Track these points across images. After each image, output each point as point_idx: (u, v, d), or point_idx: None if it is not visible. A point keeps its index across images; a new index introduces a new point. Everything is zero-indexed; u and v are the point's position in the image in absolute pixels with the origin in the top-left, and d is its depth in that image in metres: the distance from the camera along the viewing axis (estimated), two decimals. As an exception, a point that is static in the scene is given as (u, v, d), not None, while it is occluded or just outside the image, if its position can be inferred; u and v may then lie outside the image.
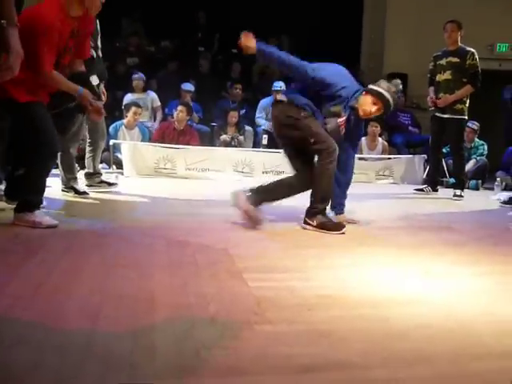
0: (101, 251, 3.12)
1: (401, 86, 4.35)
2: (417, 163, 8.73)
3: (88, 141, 5.61)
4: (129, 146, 7.80)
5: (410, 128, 10.12)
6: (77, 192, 5.19)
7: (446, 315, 2.26)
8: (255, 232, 3.95)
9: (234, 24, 11.35)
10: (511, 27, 10.88)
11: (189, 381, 1.58)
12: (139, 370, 1.62)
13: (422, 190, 7.12)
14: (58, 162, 4.99)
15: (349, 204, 4.47)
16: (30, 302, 2.15)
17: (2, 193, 4.57)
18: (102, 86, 5.47)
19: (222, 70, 11.29)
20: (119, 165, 7.83)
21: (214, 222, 4.27)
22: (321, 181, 4.09)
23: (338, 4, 11.47)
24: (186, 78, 9.92)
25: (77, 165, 5.41)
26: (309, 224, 4.08)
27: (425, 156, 8.53)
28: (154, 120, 9.36)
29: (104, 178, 5.88)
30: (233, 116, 8.99)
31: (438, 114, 6.77)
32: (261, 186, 4.22)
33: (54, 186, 5.06)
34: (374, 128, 8.86)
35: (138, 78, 9.22)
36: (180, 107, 8.46)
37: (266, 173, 8.15)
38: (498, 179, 7.94)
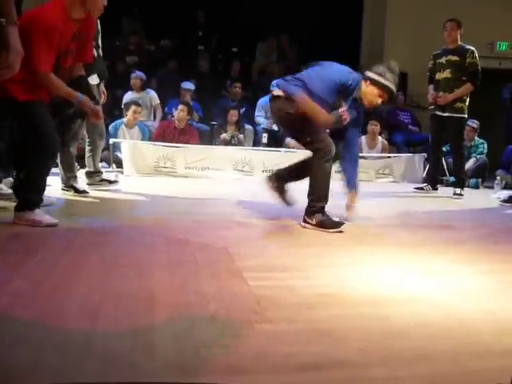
0: (101, 250, 3.12)
1: (397, 68, 4.35)
2: (417, 162, 8.73)
3: (87, 140, 5.61)
4: (129, 144, 7.79)
5: (409, 127, 10.13)
6: (77, 191, 5.19)
7: (446, 314, 2.26)
8: (255, 231, 3.96)
9: (234, 23, 11.42)
10: (511, 26, 10.87)
11: (189, 379, 1.58)
12: (139, 368, 1.62)
13: (421, 188, 7.12)
14: (58, 160, 4.99)
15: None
16: (29, 301, 2.15)
17: (2, 192, 4.58)
18: (102, 85, 5.47)
19: (221, 68, 11.29)
20: (119, 164, 7.82)
21: (213, 220, 4.27)
22: (317, 180, 4.10)
23: (337, 3, 11.46)
24: (186, 77, 9.92)
25: (76, 164, 5.41)
26: (308, 223, 4.08)
27: (425, 155, 8.52)
28: (154, 119, 9.36)
29: (104, 176, 5.87)
30: (233, 115, 8.98)
31: (437, 113, 6.77)
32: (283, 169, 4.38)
33: (53, 185, 5.06)
34: (374, 127, 8.86)
35: (135, 76, 9.19)
36: (181, 106, 8.46)
37: (266, 172, 8.12)
38: (497, 178, 7.94)
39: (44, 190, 3.82)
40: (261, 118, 9.47)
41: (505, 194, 6.64)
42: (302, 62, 9.17)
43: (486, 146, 8.86)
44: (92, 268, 2.71)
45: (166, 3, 11.30)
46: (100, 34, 5.30)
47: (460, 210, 5.85)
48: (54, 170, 4.42)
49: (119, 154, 7.85)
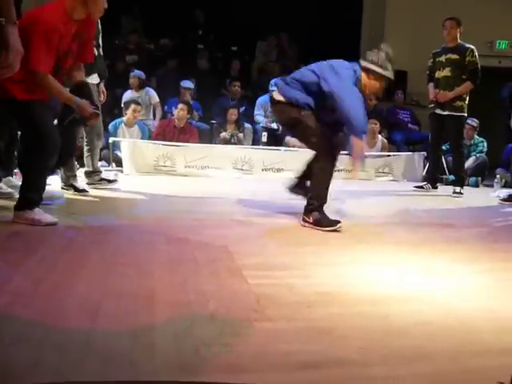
0: (100, 249, 3.12)
1: (386, 48, 4.37)
2: (416, 160, 8.72)
3: (85, 140, 5.60)
4: (128, 143, 7.79)
5: (409, 125, 10.12)
6: (76, 190, 5.19)
7: (446, 312, 2.26)
8: (255, 229, 3.95)
9: (234, 22, 11.41)
10: (511, 24, 10.87)
11: (188, 378, 1.59)
12: (139, 367, 1.63)
13: (421, 187, 7.12)
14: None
15: (348, 201, 4.47)
16: (29, 300, 2.16)
17: (2, 190, 4.59)
18: (101, 84, 5.47)
19: (221, 67, 11.28)
20: (119, 162, 7.82)
21: (213, 219, 4.27)
22: (318, 179, 4.11)
23: (337, 2, 11.46)
24: (186, 76, 9.91)
25: (76, 163, 5.42)
26: (306, 221, 4.09)
27: (424, 153, 8.51)
28: (154, 117, 9.35)
29: (103, 175, 5.88)
30: (232, 113, 8.98)
31: (437, 111, 6.76)
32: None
33: (53, 184, 5.06)
34: (374, 125, 8.85)
35: (134, 75, 9.16)
36: (181, 105, 8.45)
37: (266, 170, 8.15)
38: (497, 176, 7.95)
39: (44, 189, 3.82)
40: (260, 116, 9.47)
41: (504, 192, 6.64)
42: (302, 61, 9.20)
43: (485, 144, 8.85)
44: (92, 267, 2.71)
45: (166, 2, 11.29)
46: (101, 34, 5.30)
47: (460, 209, 5.85)
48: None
49: (119, 153, 7.84)
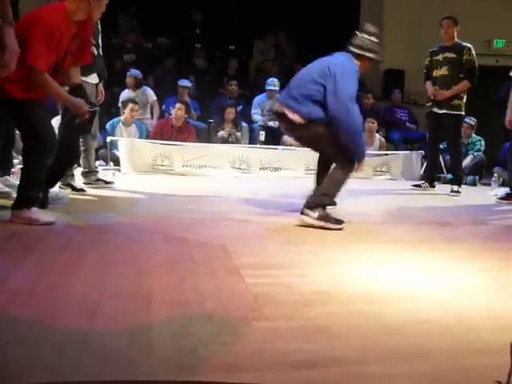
0: (98, 248, 3.12)
1: (368, 28, 4.47)
2: (414, 159, 8.74)
3: (81, 141, 5.59)
4: (126, 142, 7.79)
5: (407, 124, 10.13)
6: (74, 189, 5.19)
7: (444, 311, 2.26)
8: (252, 228, 3.95)
9: (232, 21, 11.40)
10: (508, 23, 10.87)
11: (186, 377, 1.58)
12: (136, 366, 1.62)
13: (419, 185, 7.13)
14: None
15: (346, 200, 4.47)
16: (27, 299, 2.15)
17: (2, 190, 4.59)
18: (100, 85, 5.46)
19: (219, 66, 11.28)
20: (116, 162, 7.82)
21: (211, 218, 4.26)
22: (336, 180, 4.15)
23: (335, 1, 11.45)
24: (183, 75, 9.91)
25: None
26: (308, 215, 4.05)
27: (422, 152, 8.53)
28: (152, 116, 9.34)
29: (101, 175, 5.88)
30: (230, 112, 8.99)
31: (435, 110, 6.76)
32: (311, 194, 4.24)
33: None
34: (371, 124, 8.86)
35: (130, 75, 9.12)
36: (178, 105, 8.46)
37: (263, 169, 8.15)
38: (495, 175, 7.95)
39: (41, 187, 3.82)
40: (257, 115, 9.48)
41: (502, 191, 6.65)
42: (300, 60, 9.19)
43: (483, 143, 8.86)
44: (90, 266, 2.71)
45: (163, 0, 11.28)
46: (100, 34, 5.30)
47: (457, 207, 5.86)
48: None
49: (116, 152, 7.84)
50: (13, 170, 5.14)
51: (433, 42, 7.00)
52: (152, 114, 9.36)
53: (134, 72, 9.19)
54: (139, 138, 8.28)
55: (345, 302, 2.34)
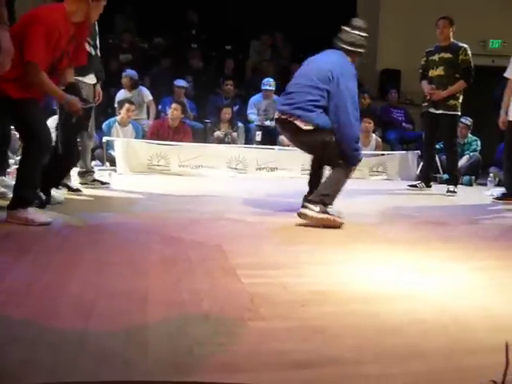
0: (94, 248, 3.12)
1: (357, 23, 4.53)
2: (410, 159, 8.75)
3: (78, 140, 5.58)
4: (122, 142, 7.78)
5: (403, 124, 10.14)
6: (70, 189, 5.19)
7: (441, 311, 2.26)
8: (248, 228, 3.96)
9: (228, 21, 11.39)
10: (504, 23, 10.89)
11: (182, 378, 1.58)
12: (132, 367, 1.62)
13: (415, 186, 7.13)
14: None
15: (342, 200, 4.46)
16: (22, 300, 2.15)
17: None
18: (98, 85, 5.46)
19: (215, 66, 11.27)
20: (113, 162, 7.81)
21: (207, 218, 4.26)
22: (339, 182, 4.18)
23: (331, 2, 11.45)
24: (179, 75, 9.90)
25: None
26: (309, 208, 4.05)
27: (418, 152, 8.53)
28: (148, 116, 9.32)
29: (97, 175, 5.87)
30: (226, 112, 8.99)
31: (431, 110, 6.77)
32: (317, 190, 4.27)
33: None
34: (368, 124, 8.86)
35: (126, 75, 9.10)
36: (174, 105, 8.45)
37: (260, 169, 8.15)
38: (491, 175, 7.96)
39: (37, 187, 3.82)
40: (253, 115, 9.48)
41: (498, 191, 6.66)
42: (296, 60, 9.18)
43: (479, 143, 8.88)
44: (86, 266, 2.70)
45: (159, 1, 11.27)
46: (98, 36, 5.30)
47: (453, 207, 5.87)
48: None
49: (112, 152, 7.83)
50: (8, 170, 5.13)
51: (429, 42, 7.01)
52: (148, 114, 9.34)
53: (130, 72, 9.16)
54: (135, 138, 8.27)
55: (341, 302, 2.34)
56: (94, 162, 6.05)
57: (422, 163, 7.81)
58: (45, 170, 3.80)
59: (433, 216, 5.10)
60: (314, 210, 4.03)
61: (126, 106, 8.16)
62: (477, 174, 8.64)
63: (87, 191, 5.34)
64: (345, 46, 4.32)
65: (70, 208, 4.54)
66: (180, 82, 9.53)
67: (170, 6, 11.20)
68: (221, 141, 8.75)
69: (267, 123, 9.10)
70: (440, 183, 7.73)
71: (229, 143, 8.73)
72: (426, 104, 6.84)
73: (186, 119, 9.03)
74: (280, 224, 4.16)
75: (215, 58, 11.52)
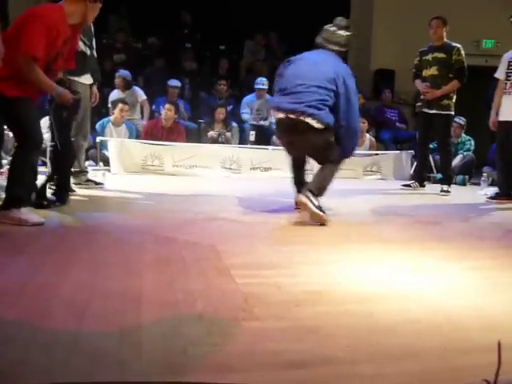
0: (88, 248, 3.11)
1: (342, 22, 4.66)
2: (404, 159, 8.76)
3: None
4: (116, 143, 7.76)
5: (397, 124, 10.16)
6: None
7: (434, 310, 2.26)
8: (242, 228, 3.95)
9: (222, 21, 11.38)
10: (497, 23, 10.86)
11: (176, 378, 1.58)
12: (126, 367, 1.62)
13: (409, 185, 7.14)
14: (46, 158, 4.97)
15: (336, 200, 4.47)
16: (16, 300, 2.14)
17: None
18: (94, 87, 5.44)
19: (209, 66, 11.26)
20: (106, 162, 7.79)
21: (201, 218, 4.26)
22: (326, 175, 4.25)
23: (325, 1, 11.46)
24: (173, 75, 9.88)
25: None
26: (311, 201, 4.07)
27: (412, 152, 8.54)
28: (142, 116, 9.30)
29: (91, 176, 5.85)
30: (220, 113, 8.98)
31: (424, 110, 6.78)
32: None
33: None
34: (362, 124, 8.84)
35: (119, 75, 9.04)
36: (168, 106, 8.44)
37: (254, 169, 8.14)
38: (484, 174, 7.96)
39: (31, 187, 3.82)
40: (246, 114, 9.47)
41: (491, 190, 6.68)
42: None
43: (472, 142, 8.88)
44: (79, 267, 2.70)
45: (153, 1, 11.25)
46: (94, 37, 5.30)
47: (447, 207, 5.88)
48: (41, 168, 4.41)
49: (106, 153, 7.81)
50: (1, 170, 5.11)
51: (423, 42, 7.02)
52: (142, 114, 9.32)
53: (123, 73, 9.13)
54: (129, 138, 8.26)
55: (335, 302, 2.34)
56: (87, 162, 6.03)
57: (415, 163, 7.82)
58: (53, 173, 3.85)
59: (427, 216, 5.11)
60: (313, 203, 4.06)
61: (120, 106, 8.14)
62: (470, 173, 8.65)
63: (81, 191, 5.33)
64: (333, 47, 4.46)
65: (64, 208, 4.52)
66: (173, 82, 9.50)
67: (163, 5, 11.19)
68: (215, 141, 8.74)
69: (262, 122, 9.09)
70: (434, 183, 7.73)
71: (223, 143, 8.72)
72: (420, 104, 6.86)
73: (180, 119, 9.02)
74: (274, 224, 4.17)
75: (209, 58, 11.50)
